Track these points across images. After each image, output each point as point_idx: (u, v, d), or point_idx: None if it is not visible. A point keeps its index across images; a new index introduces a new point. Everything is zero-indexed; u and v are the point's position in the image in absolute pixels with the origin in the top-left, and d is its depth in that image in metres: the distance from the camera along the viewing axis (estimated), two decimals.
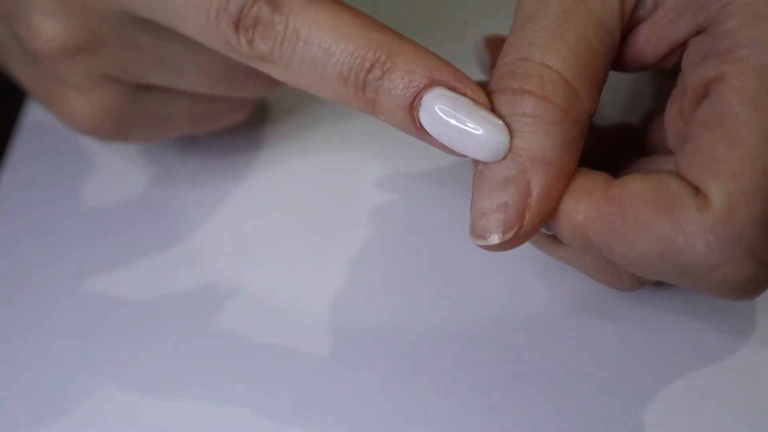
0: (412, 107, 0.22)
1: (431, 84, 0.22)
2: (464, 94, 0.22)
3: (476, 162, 0.22)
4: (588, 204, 0.22)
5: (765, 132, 0.20)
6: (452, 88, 0.22)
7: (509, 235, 0.22)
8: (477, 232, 0.22)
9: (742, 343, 0.26)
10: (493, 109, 0.22)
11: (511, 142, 0.22)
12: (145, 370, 0.26)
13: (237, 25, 0.22)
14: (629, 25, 0.24)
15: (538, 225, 0.22)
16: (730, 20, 0.21)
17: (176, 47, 0.26)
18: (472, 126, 0.21)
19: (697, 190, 0.20)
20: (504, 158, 0.22)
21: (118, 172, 0.32)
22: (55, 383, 0.26)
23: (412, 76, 0.22)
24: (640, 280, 0.25)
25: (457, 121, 0.21)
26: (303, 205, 0.30)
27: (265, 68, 0.23)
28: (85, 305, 0.28)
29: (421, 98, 0.22)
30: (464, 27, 0.31)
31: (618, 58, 0.24)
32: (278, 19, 0.22)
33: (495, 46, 0.30)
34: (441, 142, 0.22)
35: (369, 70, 0.22)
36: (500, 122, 0.21)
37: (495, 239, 0.22)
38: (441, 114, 0.21)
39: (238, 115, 0.30)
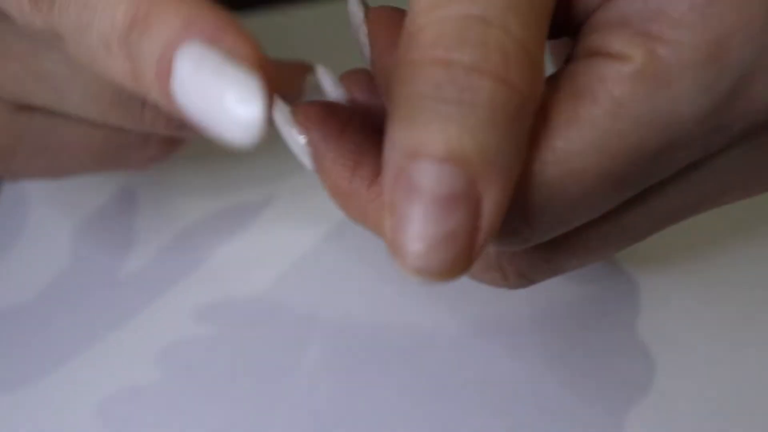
0: (166, 74, 0.16)
1: (185, 38, 0.16)
2: (219, 47, 0.16)
3: (392, 162, 0.16)
4: None
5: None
6: (209, 42, 0.16)
7: (458, 270, 0.16)
8: (414, 269, 0.16)
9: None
10: (403, 87, 0.16)
11: (438, 140, 0.16)
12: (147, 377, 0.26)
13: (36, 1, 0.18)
14: None
15: (482, 252, 0.17)
16: None
17: (50, 56, 0.22)
18: (217, 90, 0.15)
19: None
20: (448, 163, 0.16)
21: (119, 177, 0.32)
22: (57, 391, 0.26)
23: (169, 30, 0.16)
24: (525, 276, 0.22)
25: (200, 84, 0.16)
26: (317, 215, 0.30)
27: (64, 48, 0.18)
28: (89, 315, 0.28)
29: (172, 60, 0.16)
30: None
31: None
32: None
33: (380, 21, 0.22)
34: (192, 120, 0.16)
35: (131, 29, 0.17)
36: (255, 79, 0.15)
37: (441, 278, 0.16)
38: (185, 77, 0.16)
39: (155, 153, 0.26)
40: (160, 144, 0.26)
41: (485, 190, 0.16)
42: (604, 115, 0.17)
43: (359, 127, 0.22)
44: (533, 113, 0.17)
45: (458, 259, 0.16)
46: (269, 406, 0.25)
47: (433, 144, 0.16)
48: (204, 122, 0.16)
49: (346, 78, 0.23)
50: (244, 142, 0.15)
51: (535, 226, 0.19)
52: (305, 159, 0.22)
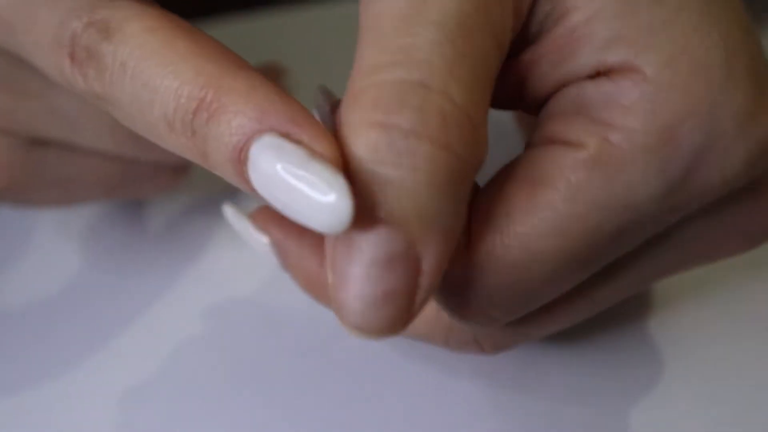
0: (240, 160, 0.17)
1: (262, 130, 0.16)
2: (299, 143, 0.16)
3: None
4: None
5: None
6: (286, 135, 0.16)
7: (397, 328, 0.17)
8: (354, 326, 0.16)
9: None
10: (345, 150, 0.16)
11: (376, 202, 0.16)
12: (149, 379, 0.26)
13: (72, 55, 0.19)
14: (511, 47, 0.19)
15: (421, 309, 0.17)
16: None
17: (65, 92, 0.22)
18: (303, 186, 0.16)
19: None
20: (386, 226, 0.16)
21: None
22: (61, 393, 0.25)
23: (240, 120, 0.17)
24: (501, 347, 0.22)
25: (284, 179, 0.16)
26: None
27: (109, 111, 0.19)
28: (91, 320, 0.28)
29: (248, 150, 0.17)
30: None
31: None
32: (107, 50, 0.18)
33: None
34: (276, 207, 0.17)
35: (195, 113, 0.17)
36: (342, 181, 0.15)
37: (380, 335, 0.16)
38: (268, 169, 0.16)
39: (166, 182, 0.26)
40: (170, 172, 0.26)
41: (424, 249, 0.16)
42: (562, 200, 0.18)
43: None
44: (473, 178, 0.17)
45: (396, 318, 0.16)
46: (270, 406, 0.25)
47: (372, 206, 0.16)
48: (287, 211, 0.16)
49: None
50: (333, 231, 0.16)
51: (502, 307, 0.19)
52: (272, 259, 0.23)
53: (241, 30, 0.32)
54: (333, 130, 0.21)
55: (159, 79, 0.18)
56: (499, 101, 0.20)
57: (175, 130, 0.18)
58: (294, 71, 0.33)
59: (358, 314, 0.16)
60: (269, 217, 0.23)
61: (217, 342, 0.26)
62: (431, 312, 0.22)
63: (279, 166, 0.16)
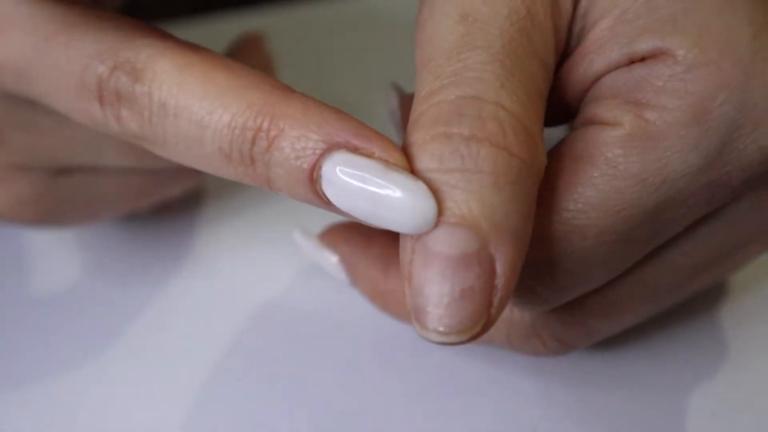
0: (312, 180, 0.18)
1: (329, 148, 0.17)
2: (371, 156, 0.17)
3: (406, 237, 0.18)
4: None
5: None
6: (355, 150, 0.17)
7: (477, 329, 0.17)
8: (436, 327, 0.17)
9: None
10: (413, 167, 0.17)
11: (446, 207, 0.17)
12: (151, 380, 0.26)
13: (101, 99, 0.19)
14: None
15: (501, 312, 0.17)
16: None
17: (79, 125, 0.23)
18: (387, 194, 0.17)
19: None
20: (458, 227, 0.17)
21: None
22: (62, 394, 0.25)
23: (304, 143, 0.17)
24: (563, 341, 0.22)
25: (366, 191, 0.17)
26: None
27: (146, 147, 0.20)
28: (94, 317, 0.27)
29: (320, 168, 0.17)
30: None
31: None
32: (141, 91, 0.19)
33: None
34: (356, 217, 0.18)
35: (253, 142, 0.18)
36: (421, 184, 0.17)
37: (462, 336, 0.17)
38: (347, 184, 0.17)
39: (190, 180, 0.27)
40: (190, 173, 0.26)
41: (496, 250, 0.17)
42: (601, 176, 0.19)
43: (381, 235, 0.24)
44: (536, 182, 0.18)
45: (476, 317, 0.17)
46: (270, 406, 0.25)
47: (443, 211, 0.17)
48: (371, 219, 0.17)
49: None
50: (420, 230, 0.17)
51: (549, 284, 0.19)
52: (340, 275, 0.25)
53: (241, 29, 0.32)
54: (400, 124, 0.23)
55: (207, 114, 0.18)
56: (547, 119, 0.21)
57: (233, 161, 0.18)
58: (293, 71, 0.33)
59: (438, 316, 0.17)
60: (336, 236, 0.25)
61: (217, 341, 0.26)
62: None
63: (358, 179, 0.17)
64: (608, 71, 0.19)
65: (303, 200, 0.18)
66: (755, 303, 0.26)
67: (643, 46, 0.19)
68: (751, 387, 0.24)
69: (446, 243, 0.17)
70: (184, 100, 0.18)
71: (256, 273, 0.28)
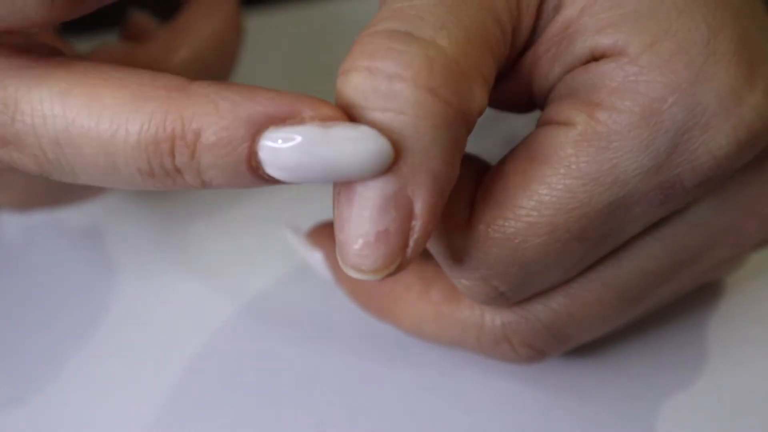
0: (253, 168, 0.17)
1: (258, 131, 0.16)
2: (302, 121, 0.16)
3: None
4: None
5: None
6: (283, 121, 0.16)
7: (392, 269, 0.17)
8: (352, 265, 0.17)
9: None
10: (337, 95, 0.17)
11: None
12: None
13: None
14: (517, 45, 0.20)
15: (419, 252, 0.18)
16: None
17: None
18: (335, 153, 0.16)
19: (470, 207, 0.20)
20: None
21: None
22: (61, 396, 0.26)
23: (229, 136, 0.16)
24: (532, 346, 0.22)
25: (313, 158, 0.16)
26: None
27: (67, 181, 0.18)
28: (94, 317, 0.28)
29: (255, 154, 0.16)
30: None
31: (501, 90, 0.21)
32: (23, 129, 0.17)
33: (323, 232, 0.25)
34: (315, 182, 0.17)
35: (172, 154, 0.17)
36: (365, 128, 0.16)
37: (376, 275, 0.17)
38: (290, 158, 0.16)
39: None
40: None
41: (415, 193, 0.17)
42: (554, 174, 0.19)
43: None
44: (465, 127, 0.18)
45: (390, 258, 0.17)
46: (270, 405, 0.25)
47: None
48: (327, 179, 0.17)
49: None
50: (381, 170, 0.17)
51: (506, 279, 0.20)
52: (324, 272, 0.25)
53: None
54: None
55: (110, 139, 0.16)
56: (515, 105, 0.22)
57: (158, 177, 0.17)
58: (292, 71, 0.33)
59: (356, 254, 0.17)
60: (322, 234, 0.25)
61: (217, 340, 0.27)
62: (462, 312, 0.23)
63: (301, 150, 0.16)
64: (571, 69, 0.20)
65: (250, 187, 0.18)
66: (746, 305, 0.26)
67: (604, 44, 0.19)
68: (746, 389, 0.24)
69: (367, 184, 0.17)
70: (77, 130, 0.17)
71: (248, 270, 0.28)
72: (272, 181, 0.17)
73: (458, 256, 0.20)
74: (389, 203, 0.17)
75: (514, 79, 0.21)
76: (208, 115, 0.16)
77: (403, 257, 0.17)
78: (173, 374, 0.26)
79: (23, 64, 0.17)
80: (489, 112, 0.32)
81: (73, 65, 0.17)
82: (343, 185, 0.17)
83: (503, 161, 0.20)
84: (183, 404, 0.25)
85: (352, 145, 0.16)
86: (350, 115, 0.17)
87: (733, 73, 0.18)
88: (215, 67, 0.26)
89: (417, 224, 0.17)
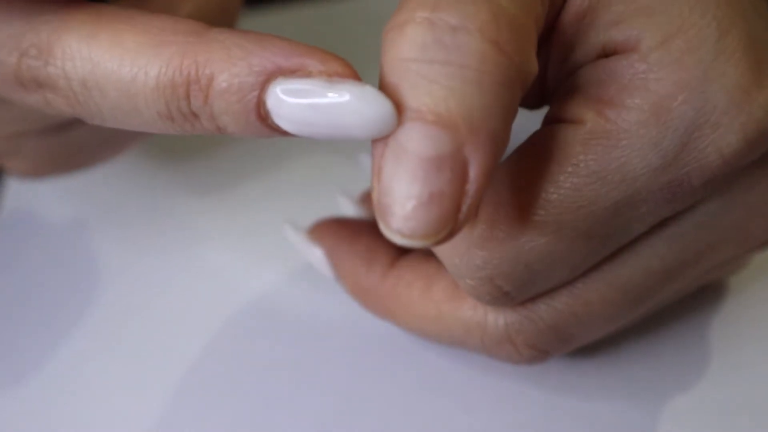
0: (262, 117, 0.17)
1: (267, 80, 0.17)
2: (309, 74, 0.16)
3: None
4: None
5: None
6: (292, 73, 0.16)
7: (442, 235, 0.16)
8: (400, 229, 0.16)
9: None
10: (389, 55, 0.16)
11: (423, 103, 0.16)
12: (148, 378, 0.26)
13: (26, 89, 0.19)
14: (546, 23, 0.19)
15: (470, 219, 0.17)
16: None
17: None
18: (338, 107, 0.16)
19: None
20: (434, 126, 0.16)
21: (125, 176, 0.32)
22: (63, 392, 0.26)
23: (239, 83, 0.17)
24: (536, 347, 0.22)
25: (318, 111, 0.16)
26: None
27: (94, 122, 0.19)
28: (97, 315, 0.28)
29: (264, 103, 0.17)
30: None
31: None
32: (56, 73, 0.18)
33: (323, 229, 0.26)
34: (319, 138, 0.17)
35: (187, 98, 0.17)
36: (368, 88, 0.16)
37: (426, 241, 0.16)
38: (295, 110, 0.16)
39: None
40: None
41: (471, 154, 0.16)
42: (561, 173, 0.19)
43: (369, 231, 0.24)
44: (523, 88, 0.17)
45: (442, 223, 0.16)
46: (270, 405, 0.25)
47: (419, 107, 0.16)
48: (331, 135, 0.16)
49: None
50: (382, 133, 0.16)
51: (511, 279, 0.20)
52: (325, 269, 0.25)
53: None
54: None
55: (131, 82, 0.17)
56: (527, 96, 0.21)
57: (177, 121, 0.18)
58: None
59: (404, 218, 0.16)
60: (323, 230, 0.25)
61: (217, 339, 0.27)
62: (465, 312, 0.22)
63: (305, 104, 0.16)
64: (584, 62, 0.20)
65: (262, 137, 0.17)
66: (748, 306, 0.26)
67: (616, 39, 0.19)
68: (748, 390, 0.24)
69: (420, 142, 0.16)
70: (102, 73, 0.17)
71: (249, 270, 0.28)
72: (281, 131, 0.17)
73: (463, 255, 0.20)
74: (445, 163, 0.16)
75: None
76: (220, 61, 0.17)
77: (455, 222, 0.16)
78: (173, 374, 0.26)
79: (55, 10, 0.18)
80: None
81: (102, 10, 0.18)
82: (389, 144, 0.16)
83: (508, 160, 0.20)
84: (183, 403, 0.25)
85: (354, 103, 0.16)
86: (406, 67, 0.16)
87: (741, 71, 0.18)
88: (217, 24, 0.26)
89: (471, 188, 0.16)
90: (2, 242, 0.30)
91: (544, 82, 0.21)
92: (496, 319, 0.22)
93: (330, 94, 0.16)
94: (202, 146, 0.32)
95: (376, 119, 0.16)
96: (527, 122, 0.21)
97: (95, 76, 0.17)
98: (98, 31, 0.18)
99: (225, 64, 0.17)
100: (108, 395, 0.25)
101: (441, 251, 0.20)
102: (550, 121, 0.20)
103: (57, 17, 0.18)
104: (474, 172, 0.16)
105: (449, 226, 0.16)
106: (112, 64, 0.17)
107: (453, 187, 0.16)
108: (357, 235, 0.24)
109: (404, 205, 0.16)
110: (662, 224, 0.20)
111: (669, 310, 0.26)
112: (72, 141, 0.24)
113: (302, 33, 0.37)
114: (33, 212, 0.31)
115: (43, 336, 0.27)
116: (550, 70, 0.20)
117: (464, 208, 0.16)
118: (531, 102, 0.22)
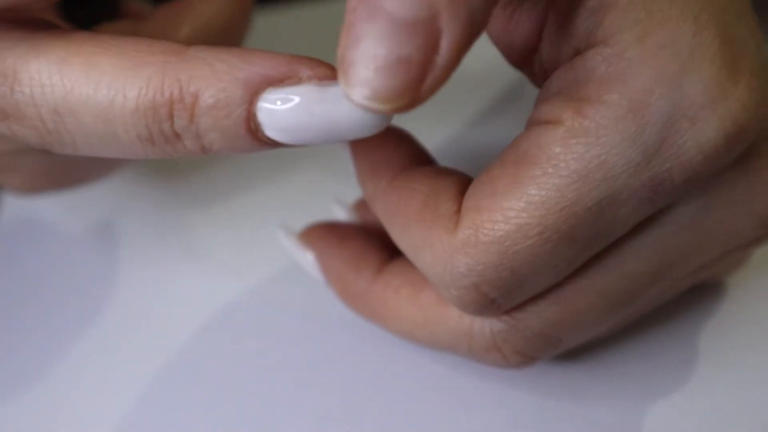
0: (252, 130, 0.17)
1: (256, 92, 0.16)
2: (300, 81, 0.16)
3: None
4: (377, 182, 0.21)
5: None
6: (281, 82, 0.16)
7: (402, 103, 0.16)
8: (361, 87, 0.15)
9: None
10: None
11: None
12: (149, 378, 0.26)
13: None
14: None
15: (431, 94, 0.16)
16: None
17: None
18: (334, 113, 0.16)
19: (457, 216, 0.19)
20: None
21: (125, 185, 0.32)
22: (63, 398, 0.26)
23: (227, 97, 0.16)
24: (523, 353, 0.22)
25: (313, 117, 0.16)
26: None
27: (66, 152, 0.18)
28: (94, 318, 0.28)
29: (254, 116, 0.16)
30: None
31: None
32: (23, 100, 0.17)
33: (315, 233, 0.25)
34: (315, 143, 0.17)
35: (170, 118, 0.17)
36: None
37: (384, 105, 0.16)
38: (289, 119, 0.16)
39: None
40: None
41: (446, 25, 0.15)
42: (542, 174, 0.18)
43: (359, 236, 0.24)
44: None
45: (405, 88, 0.16)
46: (270, 406, 0.25)
47: None
48: (325, 139, 0.17)
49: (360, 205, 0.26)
50: (377, 131, 0.16)
51: (497, 285, 0.19)
52: (316, 273, 0.25)
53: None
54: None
55: (108, 107, 0.16)
56: (513, 45, 0.21)
57: (158, 143, 0.17)
58: None
59: (367, 76, 0.15)
60: (314, 234, 0.25)
61: (217, 338, 0.27)
62: (451, 319, 0.22)
63: (300, 111, 0.16)
64: (566, 60, 0.19)
65: (246, 152, 0.17)
66: (744, 306, 0.26)
67: (598, 33, 0.18)
68: (743, 390, 0.24)
69: (397, 2, 0.15)
70: (76, 98, 0.17)
71: (249, 269, 0.28)
72: (272, 143, 0.17)
73: (446, 263, 0.19)
74: (419, 28, 0.15)
75: (528, 18, 0.20)
76: (205, 78, 0.16)
77: (416, 92, 0.16)
78: (174, 379, 0.26)
79: (21, 36, 0.17)
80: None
81: (71, 35, 0.17)
82: (363, 1, 0.15)
83: (490, 167, 0.20)
84: (183, 407, 0.25)
85: (349, 103, 0.16)
86: None
87: (717, 65, 0.18)
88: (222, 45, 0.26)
89: (440, 60, 0.15)
90: (2, 249, 0.30)
91: (537, 45, 0.20)
92: (483, 327, 0.22)
93: (325, 97, 0.16)
94: (200, 157, 0.32)
95: (371, 117, 0.16)
96: (521, 127, 0.20)
97: (68, 102, 0.17)
98: (70, 55, 0.17)
99: (210, 79, 0.16)
100: (107, 401, 0.25)
101: (424, 262, 0.20)
102: (530, 125, 0.20)
103: (24, 42, 0.17)
104: (445, 44, 0.15)
105: (410, 94, 0.16)
106: (88, 89, 0.17)
107: (422, 54, 0.15)
108: (346, 239, 0.25)
109: (369, 63, 0.15)
110: (645, 226, 0.20)
111: (664, 311, 0.25)
112: (68, 158, 0.24)
113: (302, 33, 0.37)
114: (32, 220, 0.31)
115: (42, 342, 0.27)
116: (546, 40, 0.20)
117: (429, 79, 0.16)
118: (515, 53, 0.21)
